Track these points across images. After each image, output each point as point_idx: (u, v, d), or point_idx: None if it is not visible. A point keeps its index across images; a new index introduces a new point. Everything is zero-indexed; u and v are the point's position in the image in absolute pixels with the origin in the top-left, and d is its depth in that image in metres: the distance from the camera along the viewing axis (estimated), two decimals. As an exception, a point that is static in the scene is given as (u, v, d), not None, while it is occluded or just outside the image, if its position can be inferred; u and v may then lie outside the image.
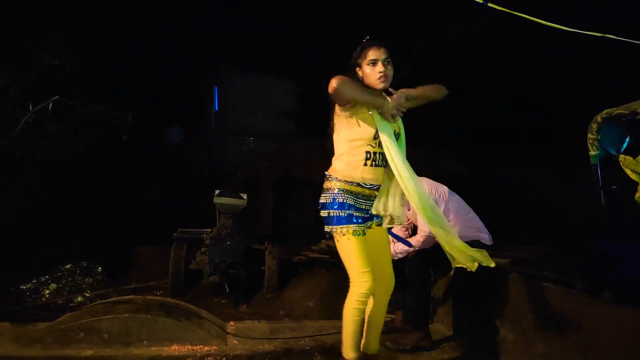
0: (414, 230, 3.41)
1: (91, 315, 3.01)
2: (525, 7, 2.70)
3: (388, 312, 3.65)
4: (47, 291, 5.11)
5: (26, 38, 5.54)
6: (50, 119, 5.85)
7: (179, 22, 9.47)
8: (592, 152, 3.39)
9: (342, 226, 2.24)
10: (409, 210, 3.22)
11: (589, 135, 3.33)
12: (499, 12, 2.71)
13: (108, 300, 3.52)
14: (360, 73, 2.31)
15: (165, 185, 9.90)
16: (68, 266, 5.60)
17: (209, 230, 5.50)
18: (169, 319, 3.03)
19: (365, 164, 2.28)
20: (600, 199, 3.30)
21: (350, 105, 2.25)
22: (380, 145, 2.26)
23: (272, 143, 10.11)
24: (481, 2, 2.74)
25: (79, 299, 4.97)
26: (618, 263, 2.48)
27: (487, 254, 2.32)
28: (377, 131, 2.23)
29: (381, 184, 2.36)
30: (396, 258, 3.19)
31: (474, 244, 3.23)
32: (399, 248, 3.19)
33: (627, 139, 3.08)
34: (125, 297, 3.53)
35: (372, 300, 2.39)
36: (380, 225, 2.43)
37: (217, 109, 11.93)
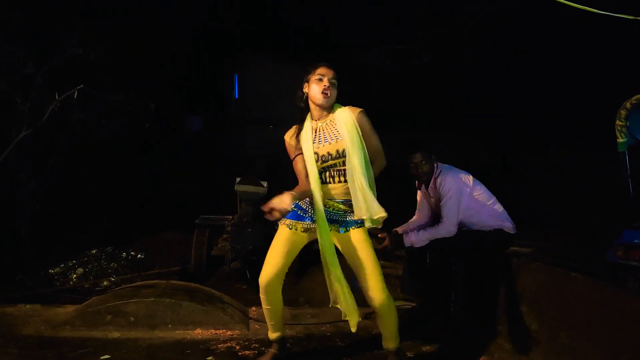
0: (436, 219, 3.39)
1: (118, 298, 3.09)
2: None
3: (408, 300, 3.69)
4: (74, 275, 5.26)
5: (51, 27, 5.62)
6: (74, 107, 5.94)
7: (199, 10, 9.48)
8: (620, 140, 3.29)
9: (284, 218, 2.48)
10: (433, 199, 3.20)
11: (617, 122, 3.24)
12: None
13: (133, 284, 3.60)
14: (305, 90, 2.42)
15: (187, 172, 10.02)
16: (94, 251, 5.76)
17: (231, 217, 5.55)
18: (192, 303, 3.10)
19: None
20: (628, 187, 3.22)
21: (296, 154, 2.50)
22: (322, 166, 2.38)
23: (292, 131, 10.09)
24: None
25: (105, 283, 5.09)
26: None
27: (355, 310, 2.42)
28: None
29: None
30: (418, 246, 3.19)
31: (497, 232, 3.21)
32: (421, 236, 3.18)
33: (658, 126, 2.99)
34: (150, 282, 3.61)
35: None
36: (361, 225, 2.39)
37: (237, 97, 11.94)
